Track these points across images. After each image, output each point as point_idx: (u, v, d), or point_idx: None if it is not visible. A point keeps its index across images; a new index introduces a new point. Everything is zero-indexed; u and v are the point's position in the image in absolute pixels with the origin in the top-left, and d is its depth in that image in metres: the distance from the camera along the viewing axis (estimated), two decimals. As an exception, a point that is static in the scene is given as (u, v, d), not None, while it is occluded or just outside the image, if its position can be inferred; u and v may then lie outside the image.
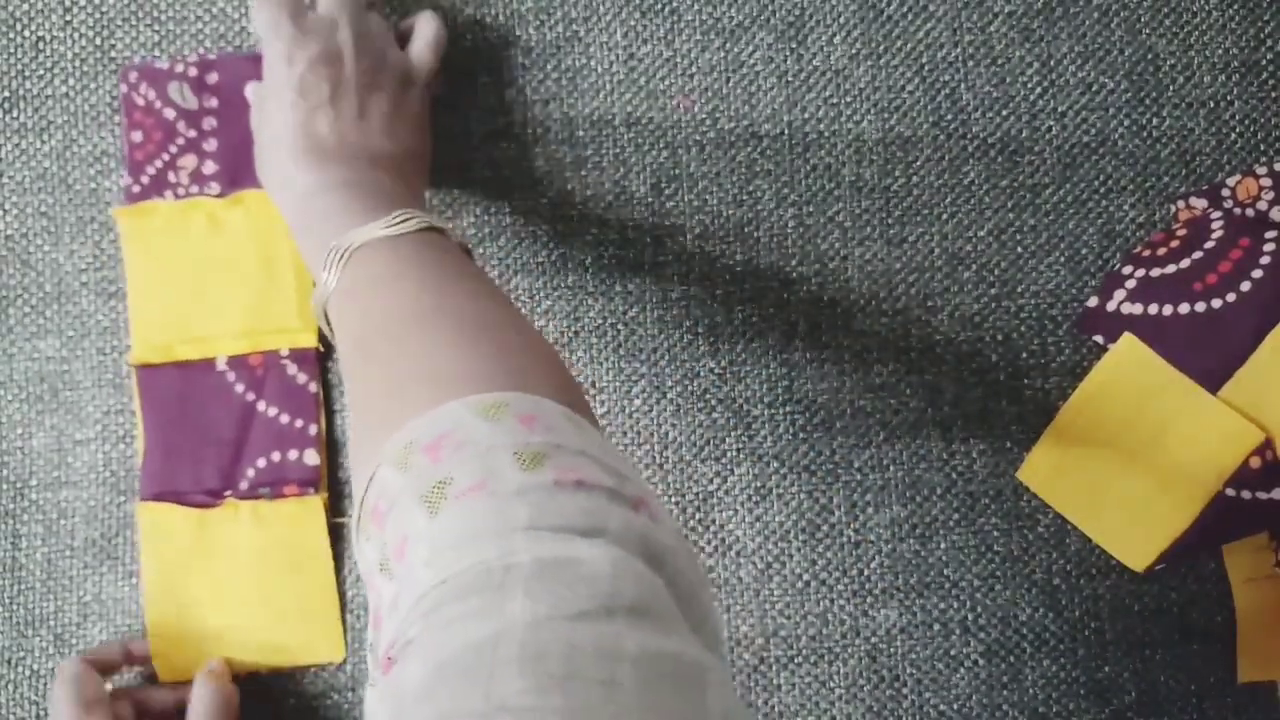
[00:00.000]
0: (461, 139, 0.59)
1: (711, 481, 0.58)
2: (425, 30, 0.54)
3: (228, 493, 0.56)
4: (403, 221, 0.43)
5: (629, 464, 0.34)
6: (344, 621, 0.57)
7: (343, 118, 0.50)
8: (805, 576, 0.58)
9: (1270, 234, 0.56)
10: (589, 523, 0.30)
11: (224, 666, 0.55)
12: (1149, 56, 0.60)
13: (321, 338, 0.57)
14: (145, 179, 0.57)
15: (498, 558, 0.28)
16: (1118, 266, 0.59)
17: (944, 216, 0.59)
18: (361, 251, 0.43)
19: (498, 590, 0.27)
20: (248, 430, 0.56)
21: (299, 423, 0.57)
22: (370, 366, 0.39)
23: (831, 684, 0.57)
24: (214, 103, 0.58)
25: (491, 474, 0.31)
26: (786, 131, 0.59)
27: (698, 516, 0.58)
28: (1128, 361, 0.57)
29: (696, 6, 0.59)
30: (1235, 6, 0.60)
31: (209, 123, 0.58)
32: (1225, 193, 0.59)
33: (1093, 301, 0.58)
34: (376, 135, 0.50)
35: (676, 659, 0.27)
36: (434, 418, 0.33)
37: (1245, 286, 0.55)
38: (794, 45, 0.59)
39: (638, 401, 0.58)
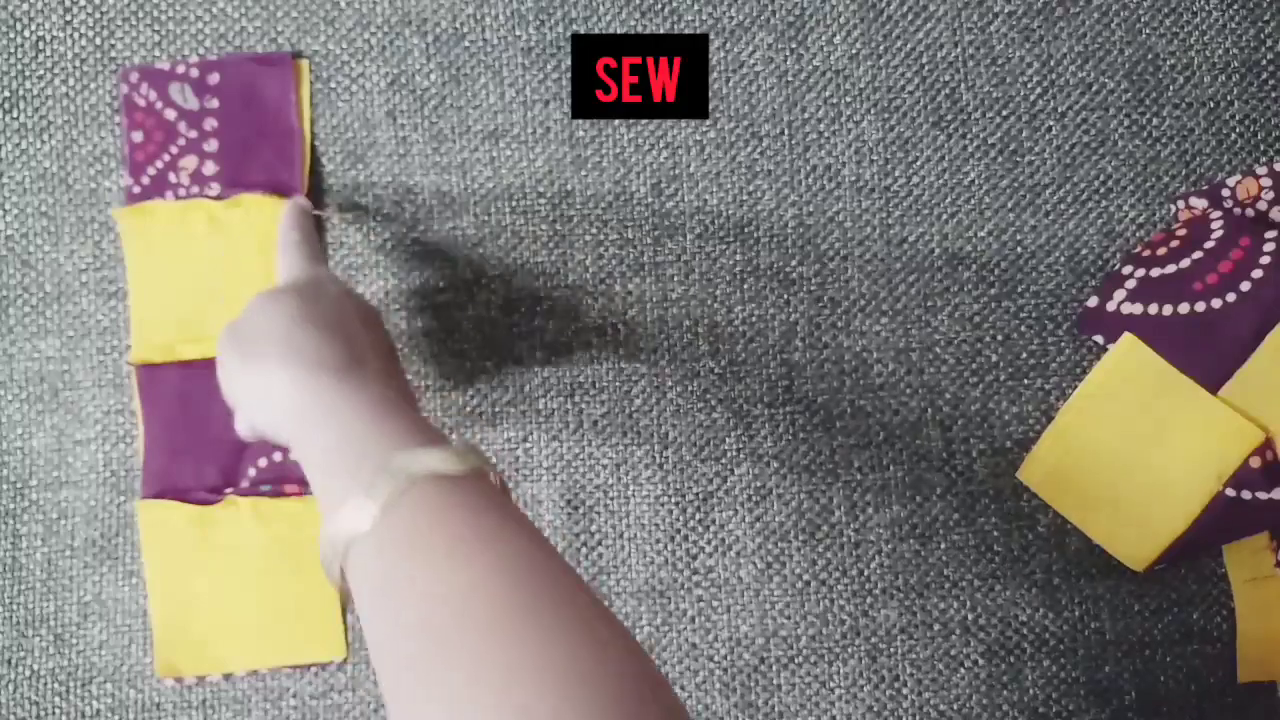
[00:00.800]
0: (461, 139, 0.59)
1: (711, 481, 0.58)
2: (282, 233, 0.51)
3: (229, 490, 0.56)
4: (467, 456, 0.35)
5: None
6: (344, 621, 0.57)
7: (357, 333, 0.45)
8: (805, 576, 0.58)
9: (1270, 234, 0.56)
10: None
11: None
12: (1149, 57, 0.60)
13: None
14: (146, 179, 0.57)
15: None
16: (1118, 266, 0.59)
17: (944, 216, 0.59)
18: (419, 487, 0.34)
19: None
20: (248, 430, 0.57)
21: (299, 423, 0.57)
22: (443, 694, 0.30)
23: (832, 684, 0.57)
24: (215, 103, 0.58)
25: None
26: (786, 131, 0.59)
27: (698, 516, 0.58)
28: (1128, 361, 0.57)
29: (696, 6, 0.59)
30: (1235, 7, 0.60)
31: (210, 123, 0.58)
32: (1225, 193, 0.59)
33: (1093, 301, 0.58)
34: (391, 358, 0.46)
35: None
36: None
37: (1245, 286, 0.55)
38: (794, 45, 0.59)
39: (638, 401, 0.58)
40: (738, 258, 0.59)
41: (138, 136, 0.58)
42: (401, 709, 0.31)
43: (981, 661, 0.58)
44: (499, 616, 0.31)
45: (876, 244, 0.59)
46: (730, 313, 0.58)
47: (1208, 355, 0.55)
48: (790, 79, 0.59)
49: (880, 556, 0.58)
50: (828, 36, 0.59)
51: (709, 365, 0.58)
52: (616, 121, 0.59)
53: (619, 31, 0.59)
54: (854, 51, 0.59)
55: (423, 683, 0.31)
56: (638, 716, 0.29)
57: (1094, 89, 0.60)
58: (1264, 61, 0.60)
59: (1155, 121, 0.60)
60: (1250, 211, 0.58)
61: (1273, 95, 0.60)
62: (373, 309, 0.49)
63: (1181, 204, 0.59)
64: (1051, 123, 0.59)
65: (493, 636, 0.30)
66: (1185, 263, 0.56)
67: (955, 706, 0.57)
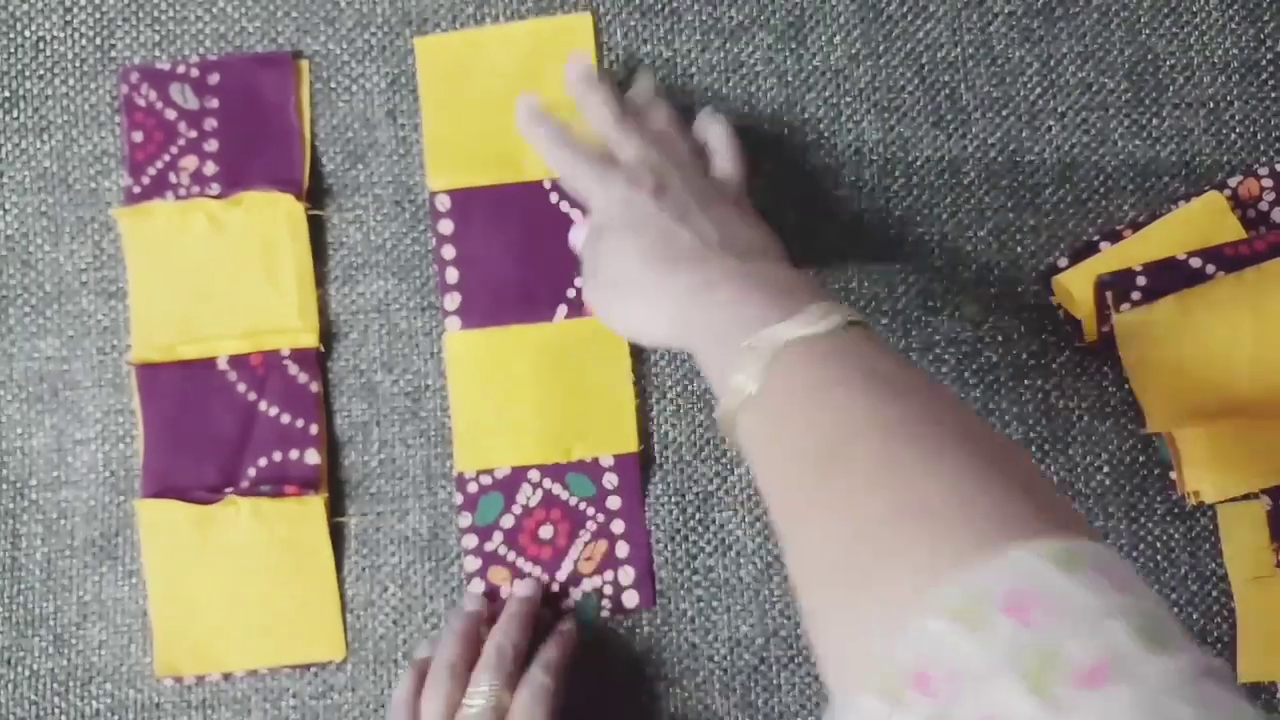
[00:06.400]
0: (462, 139, 0.59)
1: (711, 481, 0.58)
2: (718, 142, 0.52)
3: (229, 490, 0.56)
4: (828, 317, 0.38)
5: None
6: (344, 621, 0.57)
7: (693, 213, 0.47)
8: (805, 576, 0.58)
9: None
10: None
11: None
12: (1149, 57, 0.60)
13: (323, 339, 0.57)
14: (146, 180, 0.57)
15: None
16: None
17: (944, 216, 0.59)
18: (787, 352, 0.38)
19: None
20: (249, 430, 0.57)
21: (300, 422, 0.57)
22: (845, 488, 0.32)
23: (832, 684, 0.57)
24: (215, 103, 0.58)
25: (1115, 653, 0.25)
26: (786, 132, 0.59)
27: (698, 516, 0.58)
28: None
29: (696, 6, 0.59)
30: (1235, 7, 0.60)
31: (210, 123, 0.58)
32: (1226, 193, 0.59)
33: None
34: (734, 224, 0.47)
35: None
36: (1002, 567, 0.27)
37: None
38: (794, 45, 0.59)
39: (637, 401, 0.58)
40: (738, 258, 0.59)
41: (138, 136, 0.58)
42: (794, 525, 0.35)
43: (982, 661, 0.58)
44: (882, 445, 0.32)
45: (876, 244, 0.59)
46: (730, 313, 0.58)
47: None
48: (790, 79, 0.59)
49: (880, 556, 0.58)
50: (828, 36, 0.59)
51: (709, 365, 0.58)
52: (616, 121, 0.59)
53: (619, 32, 0.59)
54: (854, 51, 0.59)
55: (816, 505, 0.33)
56: (1049, 508, 0.30)
57: (1094, 89, 0.60)
58: (1264, 61, 0.60)
59: (1155, 121, 0.60)
60: (1251, 212, 0.58)
61: (1273, 95, 0.60)
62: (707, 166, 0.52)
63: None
64: (1051, 123, 0.59)
65: (871, 463, 0.32)
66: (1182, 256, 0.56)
67: (955, 707, 0.57)
